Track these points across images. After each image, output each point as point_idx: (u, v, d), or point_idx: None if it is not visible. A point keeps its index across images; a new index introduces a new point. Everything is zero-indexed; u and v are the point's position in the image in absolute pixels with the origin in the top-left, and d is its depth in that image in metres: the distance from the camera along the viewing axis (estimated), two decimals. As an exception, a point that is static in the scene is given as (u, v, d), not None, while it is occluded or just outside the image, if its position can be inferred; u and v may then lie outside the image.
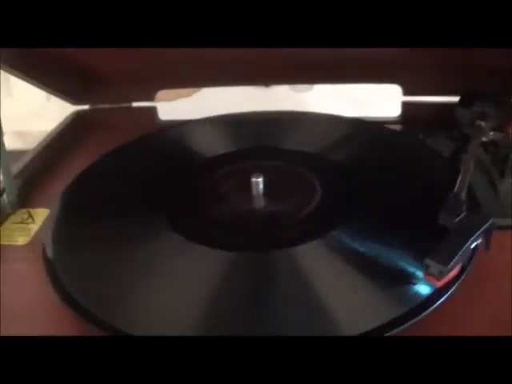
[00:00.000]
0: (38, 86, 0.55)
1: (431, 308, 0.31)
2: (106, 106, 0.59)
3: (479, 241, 0.33)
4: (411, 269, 0.33)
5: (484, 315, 0.33)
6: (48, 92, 0.58)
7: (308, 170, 0.45)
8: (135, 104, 0.59)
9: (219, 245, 0.36)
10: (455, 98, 0.50)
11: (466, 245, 0.32)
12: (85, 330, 0.32)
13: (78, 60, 0.54)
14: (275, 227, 0.40)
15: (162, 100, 0.59)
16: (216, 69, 0.53)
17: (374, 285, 0.33)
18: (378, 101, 0.61)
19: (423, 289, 0.32)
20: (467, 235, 0.33)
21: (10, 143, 0.45)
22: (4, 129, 0.43)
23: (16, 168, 0.49)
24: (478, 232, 0.33)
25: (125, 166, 0.48)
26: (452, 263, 0.31)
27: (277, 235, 0.39)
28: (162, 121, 0.60)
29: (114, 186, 0.45)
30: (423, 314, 0.31)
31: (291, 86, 0.65)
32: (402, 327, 0.30)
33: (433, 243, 0.32)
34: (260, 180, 0.41)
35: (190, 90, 0.66)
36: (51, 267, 0.37)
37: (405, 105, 0.56)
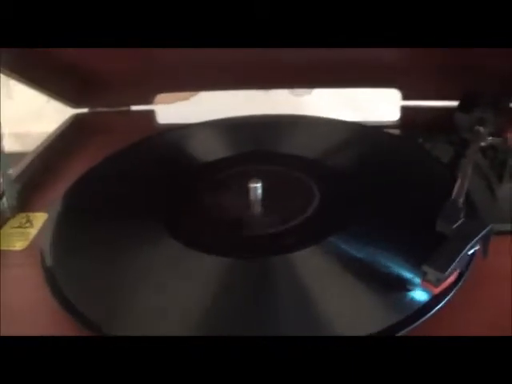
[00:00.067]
0: (37, 89, 0.55)
1: (429, 314, 0.31)
2: (105, 109, 0.59)
3: (477, 247, 0.33)
4: (408, 275, 0.33)
5: (482, 321, 0.33)
6: (47, 95, 0.58)
7: (306, 175, 0.45)
8: (134, 107, 0.59)
9: (217, 251, 0.36)
10: (454, 103, 0.50)
11: (464, 251, 0.32)
12: (83, 333, 0.32)
13: (77, 63, 0.54)
14: (273, 233, 0.39)
15: (160, 103, 0.59)
16: (215, 72, 0.53)
17: (371, 291, 0.33)
18: (377, 105, 0.61)
19: (421, 295, 0.32)
20: (465, 242, 0.32)
21: (8, 145, 0.45)
22: (3, 130, 0.43)
23: (15, 171, 0.49)
24: (476, 238, 0.33)
25: (124, 169, 0.48)
26: (449, 270, 0.31)
27: (275, 241, 0.38)
28: (160, 124, 0.60)
29: (113, 190, 0.45)
30: (420, 321, 0.31)
31: (290, 89, 0.65)
32: (399, 334, 0.30)
33: (430, 249, 0.32)
34: (258, 185, 0.41)
35: (188, 93, 0.66)
36: (49, 272, 0.37)
37: (404, 109, 0.56)
